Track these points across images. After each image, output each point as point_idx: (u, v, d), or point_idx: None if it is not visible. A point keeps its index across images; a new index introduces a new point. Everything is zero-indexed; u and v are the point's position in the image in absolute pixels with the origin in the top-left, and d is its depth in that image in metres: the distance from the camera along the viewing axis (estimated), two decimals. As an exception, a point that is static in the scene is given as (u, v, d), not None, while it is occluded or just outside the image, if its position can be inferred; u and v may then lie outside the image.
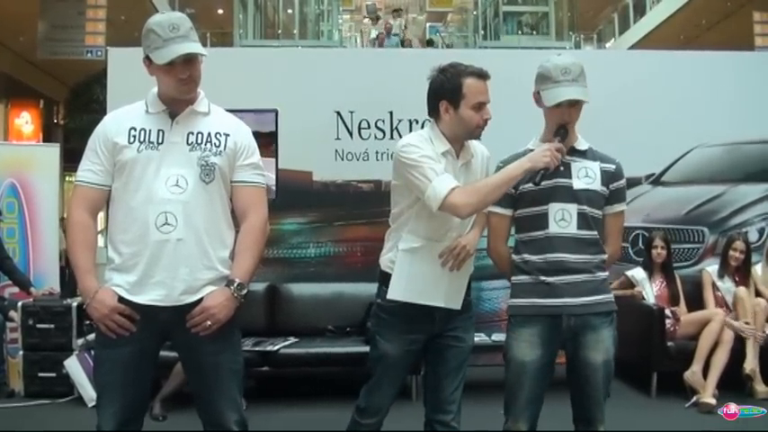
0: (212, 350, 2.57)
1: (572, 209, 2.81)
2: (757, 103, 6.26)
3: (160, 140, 2.56)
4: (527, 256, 2.86)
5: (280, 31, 17.52)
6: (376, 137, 6.04)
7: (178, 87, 2.56)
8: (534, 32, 16.78)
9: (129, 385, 2.54)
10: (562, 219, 2.81)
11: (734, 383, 5.21)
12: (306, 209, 6.05)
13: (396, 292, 2.88)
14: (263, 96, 5.99)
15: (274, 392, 5.47)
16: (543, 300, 2.81)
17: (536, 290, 2.83)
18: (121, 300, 2.51)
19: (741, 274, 5.67)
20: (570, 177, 2.84)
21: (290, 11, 18.20)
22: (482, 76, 2.86)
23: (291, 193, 5.94)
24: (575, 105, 2.82)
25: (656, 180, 6.36)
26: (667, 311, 5.52)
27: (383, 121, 6.17)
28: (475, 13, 19.00)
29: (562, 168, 2.83)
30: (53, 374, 5.41)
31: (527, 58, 5.86)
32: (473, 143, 3.00)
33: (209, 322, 2.50)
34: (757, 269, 5.77)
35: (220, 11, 19.07)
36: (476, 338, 5.37)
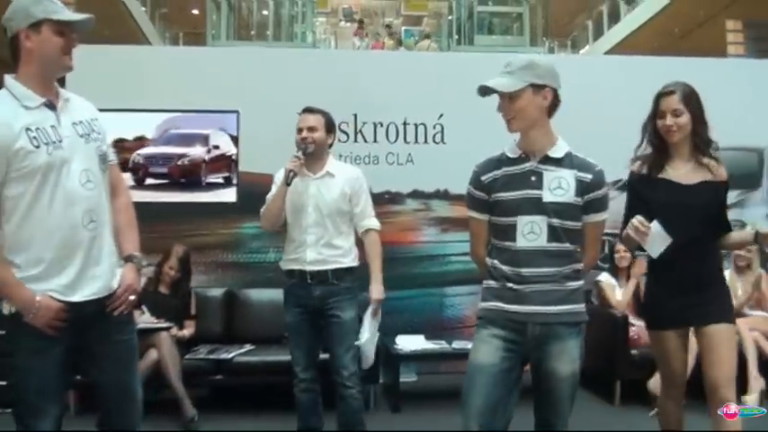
0: (127, 330, 2.65)
1: (541, 221, 2.70)
2: (731, 111, 6.22)
3: (59, 137, 2.48)
4: (497, 263, 2.79)
5: (253, 33, 17.36)
6: (339, 140, 5.86)
7: (64, 58, 2.50)
8: (508, 36, 16.78)
9: (65, 383, 2.59)
10: (531, 232, 2.71)
11: (702, 392, 5.13)
12: (267, 213, 5.93)
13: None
14: (225, 97, 5.91)
15: (229, 401, 5.38)
16: (509, 305, 2.73)
17: (503, 295, 2.75)
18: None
19: (629, 273, 5.78)
20: (541, 189, 2.72)
21: (264, 12, 18.06)
22: None
23: (252, 197, 5.82)
24: (512, 99, 2.73)
25: (623, 186, 6.30)
26: (631, 319, 5.47)
27: (347, 124, 6.12)
28: (450, 17, 18.93)
29: (533, 178, 2.73)
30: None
31: (500, 62, 5.78)
32: (341, 165, 4.17)
33: (132, 297, 2.61)
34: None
35: (195, 11, 18.90)
36: (436, 346, 5.41)
